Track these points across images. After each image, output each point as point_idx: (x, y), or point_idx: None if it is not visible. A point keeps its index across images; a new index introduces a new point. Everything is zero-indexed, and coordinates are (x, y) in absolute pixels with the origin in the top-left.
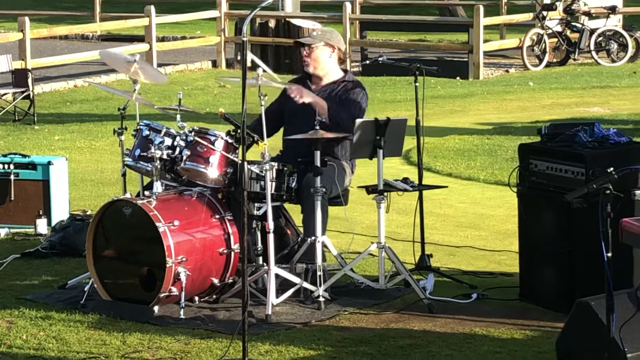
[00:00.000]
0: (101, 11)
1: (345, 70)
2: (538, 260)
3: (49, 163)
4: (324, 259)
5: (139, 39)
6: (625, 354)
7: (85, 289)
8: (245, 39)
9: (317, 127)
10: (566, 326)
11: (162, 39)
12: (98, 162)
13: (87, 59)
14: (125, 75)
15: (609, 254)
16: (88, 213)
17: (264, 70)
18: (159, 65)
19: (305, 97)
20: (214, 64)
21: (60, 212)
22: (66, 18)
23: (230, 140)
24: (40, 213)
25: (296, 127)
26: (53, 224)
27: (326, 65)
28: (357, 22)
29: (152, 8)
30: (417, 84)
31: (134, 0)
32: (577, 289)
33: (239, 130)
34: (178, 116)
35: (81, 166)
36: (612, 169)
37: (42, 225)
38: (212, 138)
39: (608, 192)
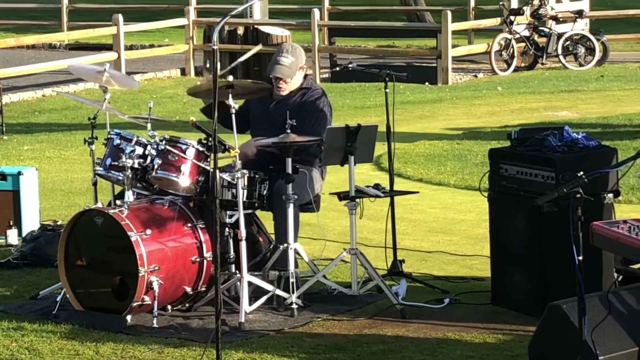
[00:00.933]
0: (69, 20)
1: (305, 75)
2: (509, 264)
3: (19, 173)
4: (296, 266)
5: (107, 47)
6: (597, 356)
7: (58, 299)
8: (215, 47)
9: (288, 131)
10: (538, 330)
11: (130, 48)
12: (68, 172)
13: (55, 68)
14: (95, 84)
15: (580, 258)
16: (59, 223)
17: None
18: (128, 73)
19: (254, 148)
20: (183, 72)
21: (30, 222)
22: (33, 27)
23: (201, 149)
24: (11, 224)
25: (262, 130)
26: (24, 234)
27: (297, 84)
28: (326, 28)
29: (120, 17)
30: (387, 90)
31: (102, 9)
32: (548, 293)
33: (210, 138)
34: (149, 125)
35: (51, 176)
36: (582, 172)
37: (12, 236)
38: (183, 146)
39: (578, 195)
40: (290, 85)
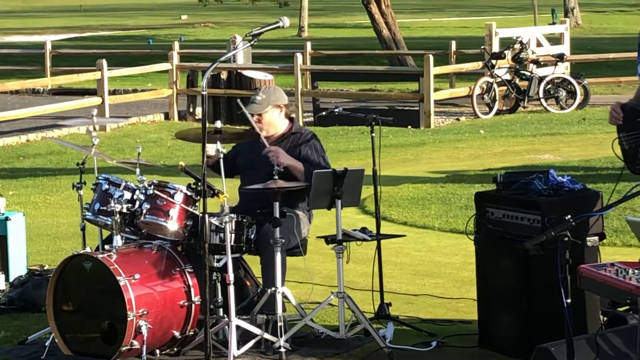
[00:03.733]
0: (52, 65)
1: (291, 119)
2: (496, 307)
3: (7, 218)
4: (284, 310)
5: (91, 92)
6: None
7: (46, 344)
8: (204, 92)
9: (276, 177)
10: None
11: (113, 92)
12: (54, 217)
13: (38, 113)
14: (79, 129)
15: (569, 300)
16: (46, 268)
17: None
18: (111, 117)
19: (282, 159)
20: (167, 116)
21: (18, 267)
22: (17, 73)
23: (189, 193)
24: None
25: (252, 178)
26: (11, 279)
27: (277, 124)
28: (308, 72)
29: (104, 62)
30: (373, 134)
31: (85, 54)
32: (535, 335)
33: (199, 183)
34: (137, 170)
35: (37, 221)
36: (569, 216)
37: (0, 281)
38: (172, 191)
39: (566, 239)
40: (266, 124)
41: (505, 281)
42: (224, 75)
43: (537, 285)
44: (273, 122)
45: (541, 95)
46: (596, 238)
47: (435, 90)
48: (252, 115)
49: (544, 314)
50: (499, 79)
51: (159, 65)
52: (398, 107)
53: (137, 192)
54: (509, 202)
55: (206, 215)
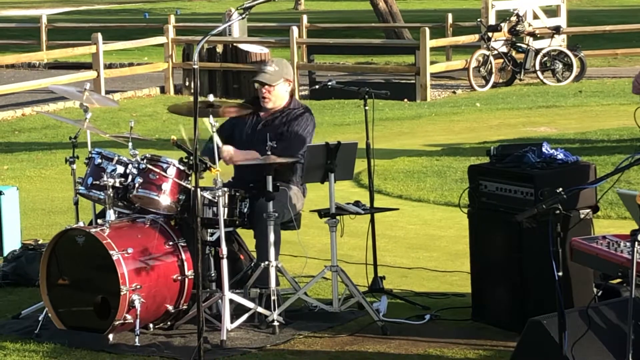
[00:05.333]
0: (47, 39)
1: (291, 95)
2: (490, 280)
3: (0, 193)
4: (277, 284)
5: (87, 66)
6: None
7: (40, 318)
8: (196, 65)
9: (269, 153)
10: (519, 345)
11: (109, 66)
12: (48, 191)
13: (34, 87)
14: (75, 103)
15: (560, 273)
16: (40, 242)
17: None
18: (107, 92)
19: (236, 158)
20: (162, 90)
21: (12, 242)
22: (12, 47)
23: (182, 167)
24: None
25: (246, 149)
26: (5, 254)
27: (284, 98)
28: (304, 46)
29: (100, 35)
30: (366, 107)
31: (81, 28)
32: (528, 308)
33: (191, 157)
34: (130, 144)
35: (31, 195)
36: (561, 189)
37: None
38: (164, 165)
39: (558, 212)
40: (274, 96)
41: (499, 254)
42: (219, 49)
43: (530, 258)
44: (281, 95)
45: (537, 67)
46: (589, 211)
47: (432, 63)
48: (261, 85)
49: (538, 287)
50: (496, 52)
51: (154, 39)
52: (394, 80)
53: (130, 166)
54: (502, 175)
55: (198, 189)
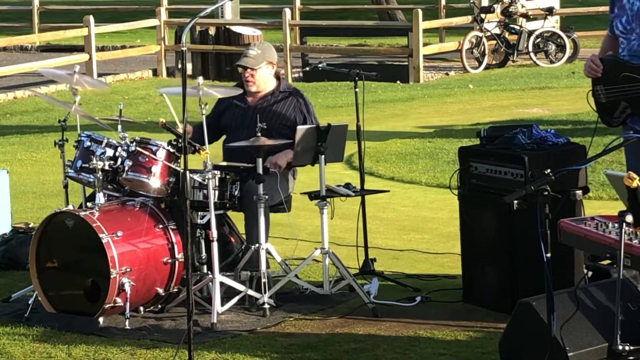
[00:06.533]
0: (40, 22)
1: (277, 77)
2: (480, 262)
3: None
4: (268, 266)
5: (79, 49)
6: (566, 352)
7: (30, 301)
8: (184, 48)
9: (259, 134)
10: (508, 326)
11: (101, 49)
12: (39, 174)
13: (26, 70)
14: (67, 86)
15: (549, 255)
16: (31, 226)
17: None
18: (100, 75)
19: (282, 163)
20: (155, 72)
21: (2, 225)
22: (4, 29)
23: (171, 150)
24: None
25: (237, 135)
26: None
27: (268, 81)
28: (297, 28)
29: (91, 18)
30: (357, 89)
31: (73, 10)
32: (519, 290)
33: (180, 140)
34: (119, 127)
35: (22, 178)
36: (549, 170)
37: None
38: (154, 148)
39: (546, 193)
40: (257, 80)
41: (489, 236)
42: (212, 31)
43: (521, 240)
44: (264, 78)
45: (530, 49)
46: (580, 192)
47: (425, 45)
48: (244, 69)
49: (528, 268)
50: (489, 33)
51: (147, 22)
52: (387, 62)
53: (119, 149)
54: (492, 157)
55: (187, 172)
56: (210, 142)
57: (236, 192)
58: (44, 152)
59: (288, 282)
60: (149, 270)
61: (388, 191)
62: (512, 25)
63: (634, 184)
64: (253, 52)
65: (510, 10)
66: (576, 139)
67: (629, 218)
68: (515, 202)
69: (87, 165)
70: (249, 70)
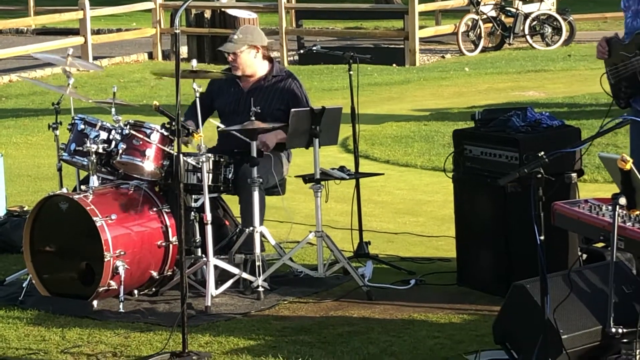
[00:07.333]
0: (35, 5)
1: (270, 60)
2: (474, 245)
3: None
4: (262, 249)
5: (75, 32)
6: (560, 335)
7: (24, 285)
8: (177, 30)
9: (253, 118)
10: (502, 309)
11: (97, 32)
12: (35, 157)
13: (21, 54)
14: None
15: (542, 237)
16: (25, 209)
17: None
18: (95, 58)
19: (270, 143)
20: (150, 55)
21: None
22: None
23: (165, 133)
24: None
25: (231, 120)
26: None
27: (253, 65)
28: (293, 10)
29: (87, 1)
30: (351, 72)
31: None
32: (513, 273)
33: (174, 123)
34: (113, 109)
35: (18, 162)
36: (542, 152)
37: None
38: (148, 131)
39: (539, 176)
40: (240, 64)
41: (484, 219)
42: (207, 14)
43: (515, 223)
44: (248, 62)
45: (527, 32)
46: (574, 175)
47: (421, 27)
48: (228, 54)
49: (522, 251)
50: (485, 16)
51: (142, 4)
52: (383, 45)
53: (113, 132)
54: (487, 140)
55: (180, 155)
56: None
57: (230, 175)
58: (39, 136)
59: (282, 265)
60: (143, 254)
61: (382, 174)
62: (508, 8)
63: (627, 167)
64: (235, 36)
65: None
66: (572, 121)
67: (622, 200)
68: (510, 184)
69: (80, 148)
70: (231, 55)
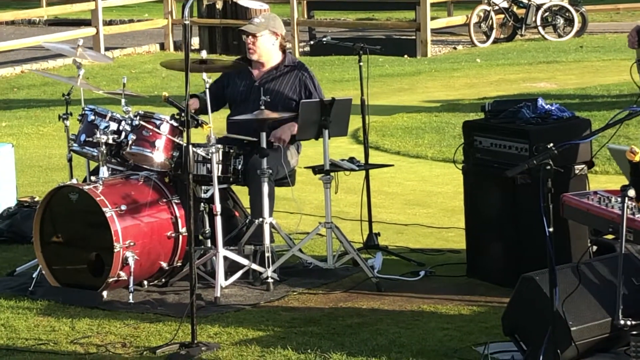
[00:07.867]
0: None
1: (284, 52)
2: (484, 237)
3: None
4: (272, 240)
5: (87, 23)
6: (569, 327)
7: (34, 275)
8: (187, 21)
9: (263, 107)
10: (511, 301)
11: (109, 23)
12: (46, 148)
13: (34, 45)
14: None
15: (551, 229)
16: (36, 199)
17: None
18: (107, 49)
19: (286, 137)
20: (162, 46)
21: (7, 199)
22: (12, 3)
23: (175, 124)
24: None
25: (241, 109)
26: (0, 211)
27: (270, 52)
28: (304, 1)
29: None
30: (361, 63)
31: None
32: (523, 264)
33: (183, 114)
34: (123, 100)
35: (29, 152)
36: (551, 144)
37: None
38: (158, 122)
39: (548, 167)
40: (258, 47)
41: (493, 210)
42: (219, 5)
43: (525, 214)
44: (266, 48)
45: (539, 23)
46: (584, 166)
47: (432, 18)
48: (246, 35)
49: (532, 243)
50: (497, 7)
51: None
52: (395, 36)
53: (123, 122)
54: (497, 131)
55: (190, 146)
56: (212, 111)
57: (239, 166)
58: (50, 126)
59: (292, 256)
60: (153, 244)
61: (392, 165)
62: None
63: (637, 158)
64: (257, 20)
65: None
66: (583, 113)
67: (632, 192)
68: (519, 176)
69: (90, 139)
70: (250, 37)
